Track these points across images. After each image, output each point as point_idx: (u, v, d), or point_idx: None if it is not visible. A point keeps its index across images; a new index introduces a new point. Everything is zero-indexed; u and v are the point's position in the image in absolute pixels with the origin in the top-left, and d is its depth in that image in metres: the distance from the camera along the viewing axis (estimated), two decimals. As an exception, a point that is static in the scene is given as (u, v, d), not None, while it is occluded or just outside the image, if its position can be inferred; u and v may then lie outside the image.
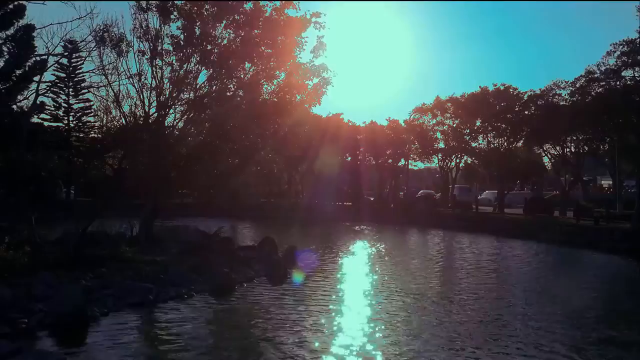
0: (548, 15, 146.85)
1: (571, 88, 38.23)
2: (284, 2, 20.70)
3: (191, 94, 20.73)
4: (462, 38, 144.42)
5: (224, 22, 20.38)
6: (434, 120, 49.66)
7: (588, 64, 36.06)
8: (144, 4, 20.07)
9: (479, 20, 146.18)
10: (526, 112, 42.56)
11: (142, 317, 11.70)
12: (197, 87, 20.77)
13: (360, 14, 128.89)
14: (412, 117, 51.09)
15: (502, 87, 44.10)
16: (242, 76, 21.16)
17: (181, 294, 13.41)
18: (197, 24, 20.24)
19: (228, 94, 21.11)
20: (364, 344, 9.98)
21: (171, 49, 20.35)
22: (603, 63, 34.10)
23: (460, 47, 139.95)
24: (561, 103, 39.51)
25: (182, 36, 20.24)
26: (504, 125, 43.39)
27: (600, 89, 34.88)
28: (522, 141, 45.34)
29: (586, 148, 40.69)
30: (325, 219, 40.37)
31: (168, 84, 20.26)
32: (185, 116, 20.88)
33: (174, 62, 20.38)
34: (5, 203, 22.01)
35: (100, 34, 19.85)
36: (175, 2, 20.36)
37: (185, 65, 20.24)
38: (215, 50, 20.40)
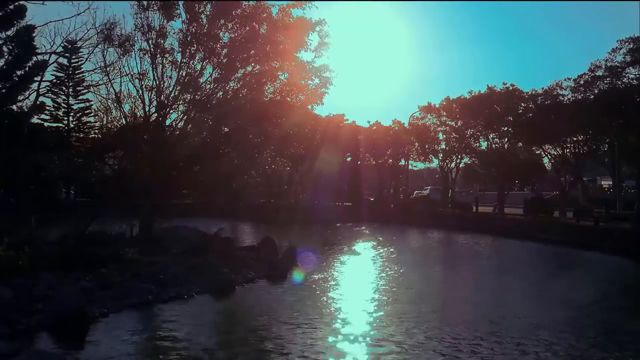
0: (549, 15, 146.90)
1: (574, 85, 37.92)
2: (290, 2, 20.74)
3: (193, 94, 20.75)
4: (463, 38, 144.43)
5: (223, 20, 20.38)
6: (439, 121, 49.60)
7: (597, 59, 35.16)
8: (145, 3, 20.10)
9: (479, 21, 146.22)
10: (529, 108, 42.24)
11: (142, 318, 11.71)
12: (200, 86, 20.78)
13: (360, 14, 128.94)
14: (415, 116, 51.04)
15: (510, 87, 43.91)
16: (244, 75, 21.15)
17: (181, 295, 13.38)
18: (204, 18, 20.21)
19: (230, 94, 21.08)
20: (364, 344, 9.98)
21: (177, 45, 20.38)
22: (611, 59, 33.96)
23: (461, 47, 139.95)
24: (564, 101, 39.19)
25: (189, 32, 20.24)
26: (505, 128, 43.34)
27: (604, 86, 34.63)
28: (522, 142, 45.26)
29: (586, 148, 40.65)
30: (325, 219, 40.31)
31: (170, 83, 20.30)
32: (186, 116, 20.89)
33: (178, 59, 20.41)
34: (5, 203, 22.06)
35: (106, 32, 19.92)
36: (177, 0, 20.39)
37: (190, 63, 20.24)
38: (224, 51, 20.39)
